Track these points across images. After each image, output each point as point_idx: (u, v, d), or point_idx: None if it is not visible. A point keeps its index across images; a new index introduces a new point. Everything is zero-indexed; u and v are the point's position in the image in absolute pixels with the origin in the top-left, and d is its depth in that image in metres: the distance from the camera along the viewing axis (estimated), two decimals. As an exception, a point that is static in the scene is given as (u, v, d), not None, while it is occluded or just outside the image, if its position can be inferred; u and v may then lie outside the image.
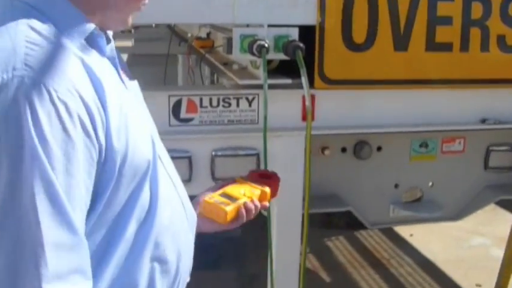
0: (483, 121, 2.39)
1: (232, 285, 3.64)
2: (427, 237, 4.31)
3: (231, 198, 1.33)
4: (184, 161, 2.04)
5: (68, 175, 0.84)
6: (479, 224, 4.47)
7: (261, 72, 1.94)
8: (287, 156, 2.14)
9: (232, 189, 1.38)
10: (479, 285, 3.76)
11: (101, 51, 1.00)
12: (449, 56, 2.20)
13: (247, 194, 1.37)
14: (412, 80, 2.23)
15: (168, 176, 1.09)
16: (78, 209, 0.86)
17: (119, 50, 1.13)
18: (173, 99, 2.08)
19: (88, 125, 0.87)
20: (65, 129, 0.83)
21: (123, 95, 1.00)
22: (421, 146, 2.57)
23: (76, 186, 0.85)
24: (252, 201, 1.35)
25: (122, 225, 0.97)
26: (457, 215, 2.71)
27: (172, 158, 1.17)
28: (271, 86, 2.04)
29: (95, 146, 0.88)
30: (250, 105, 2.15)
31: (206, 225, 1.31)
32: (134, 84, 1.12)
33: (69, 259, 0.85)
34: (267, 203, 1.41)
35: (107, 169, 0.91)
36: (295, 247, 2.26)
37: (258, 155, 2.11)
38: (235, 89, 2.15)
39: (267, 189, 1.42)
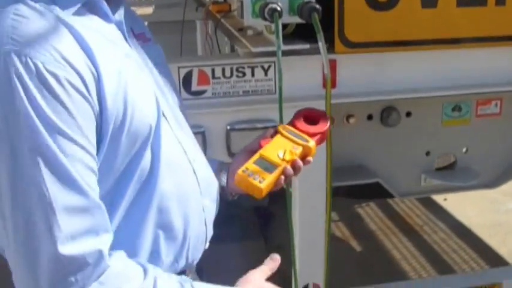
0: (523, 81, 2.19)
1: (257, 256, 3.56)
2: (462, 201, 4.13)
3: (269, 165, 1.18)
4: (197, 136, 1.88)
5: (70, 141, 0.85)
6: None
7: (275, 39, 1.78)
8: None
9: (270, 150, 1.22)
10: (518, 251, 3.60)
11: (106, 17, 1.01)
12: (483, 10, 2.00)
13: (287, 155, 1.20)
14: (442, 40, 2.03)
15: (178, 142, 1.08)
16: (85, 173, 0.87)
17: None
18: (183, 71, 1.94)
19: (83, 89, 0.87)
20: (58, 99, 0.84)
21: (127, 61, 1.00)
22: (453, 109, 2.39)
23: (79, 152, 0.87)
24: (294, 162, 1.20)
25: (123, 189, 0.98)
26: (493, 182, 2.53)
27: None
28: (287, 53, 1.89)
29: (93, 108, 0.89)
30: (266, 74, 2.00)
31: (238, 190, 1.25)
32: (153, 48, 1.15)
33: (83, 221, 0.87)
34: (310, 158, 1.26)
35: (103, 132, 0.92)
36: (320, 219, 2.13)
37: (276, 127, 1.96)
38: (249, 57, 2.00)
39: (312, 144, 1.25)
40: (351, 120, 2.30)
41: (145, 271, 0.95)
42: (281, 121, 1.73)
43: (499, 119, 2.43)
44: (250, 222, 3.78)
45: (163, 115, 1.06)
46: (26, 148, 0.83)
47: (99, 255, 0.88)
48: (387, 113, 2.30)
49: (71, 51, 0.88)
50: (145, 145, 0.99)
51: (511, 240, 3.74)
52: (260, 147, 1.24)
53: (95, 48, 0.92)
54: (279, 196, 1.52)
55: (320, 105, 1.99)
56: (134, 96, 0.96)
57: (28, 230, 0.84)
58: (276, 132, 1.28)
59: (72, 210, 0.85)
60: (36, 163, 0.83)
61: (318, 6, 1.63)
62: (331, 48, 1.92)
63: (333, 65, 1.98)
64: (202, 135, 1.93)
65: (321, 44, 1.55)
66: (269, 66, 1.99)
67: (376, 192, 2.79)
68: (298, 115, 1.34)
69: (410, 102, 2.26)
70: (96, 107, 0.90)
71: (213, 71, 1.95)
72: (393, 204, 4.24)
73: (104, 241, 0.90)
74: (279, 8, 1.65)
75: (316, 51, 1.91)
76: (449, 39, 2.03)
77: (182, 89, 1.93)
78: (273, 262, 1.17)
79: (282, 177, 1.19)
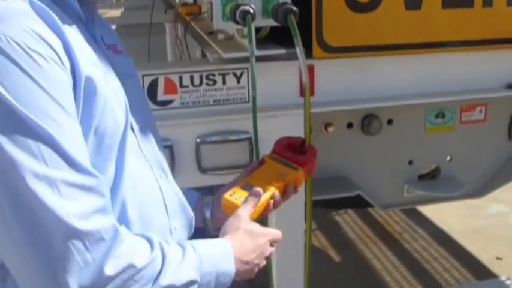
0: (509, 87, 2.07)
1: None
2: (441, 207, 3.99)
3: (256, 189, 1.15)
4: (164, 150, 1.75)
5: (67, 114, 0.84)
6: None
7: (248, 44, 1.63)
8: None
9: (257, 176, 1.19)
10: (500, 259, 3.51)
11: (75, 17, 0.97)
12: (470, 12, 1.87)
13: (276, 181, 1.17)
14: (426, 44, 1.91)
15: (144, 157, 1.04)
16: (84, 151, 0.86)
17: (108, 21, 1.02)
18: (148, 79, 1.78)
19: (64, 69, 0.85)
20: (48, 74, 0.82)
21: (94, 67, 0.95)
22: (437, 116, 2.27)
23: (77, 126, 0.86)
24: (283, 188, 1.19)
25: None
26: (479, 192, 2.42)
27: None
28: (262, 58, 1.74)
29: (68, 76, 0.86)
30: (238, 81, 1.84)
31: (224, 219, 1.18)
32: (124, 60, 1.12)
33: (93, 199, 0.85)
34: (300, 187, 1.25)
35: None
36: (298, 233, 2.01)
37: (250, 139, 1.81)
38: (220, 64, 1.84)
39: (300, 172, 1.22)
40: (330, 129, 2.16)
41: (150, 241, 0.93)
42: (255, 132, 1.59)
43: (483, 125, 2.32)
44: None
45: (131, 128, 1.02)
46: (28, 129, 0.80)
47: (115, 231, 0.86)
48: (368, 121, 2.17)
49: (48, 33, 0.87)
50: (110, 151, 0.94)
51: (492, 247, 3.65)
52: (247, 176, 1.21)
53: (66, 30, 0.90)
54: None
55: (297, 114, 1.86)
56: (106, 93, 0.93)
57: (33, 215, 0.80)
58: (262, 162, 1.24)
59: (80, 188, 0.83)
60: (37, 138, 0.80)
61: (294, 8, 1.49)
62: (308, 53, 1.77)
63: (310, 70, 1.84)
64: (170, 149, 1.77)
65: (299, 49, 1.40)
66: (242, 73, 1.84)
67: (357, 203, 2.67)
68: (279, 144, 1.30)
69: (392, 109, 2.13)
70: (71, 83, 0.87)
71: (180, 78, 1.79)
72: (372, 211, 4.12)
73: (112, 217, 0.89)
74: (251, 11, 1.50)
75: (293, 57, 1.77)
76: (435, 42, 1.90)
77: (147, 99, 1.77)
78: (255, 197, 1.13)
79: (271, 202, 1.16)
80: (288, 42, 1.79)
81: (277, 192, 1.16)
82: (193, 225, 1.20)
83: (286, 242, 2.02)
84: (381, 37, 1.84)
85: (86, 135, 0.89)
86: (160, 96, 1.79)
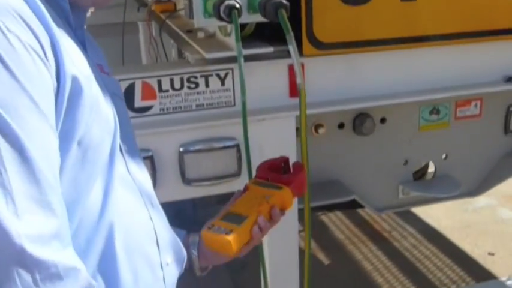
0: (508, 80, 1.97)
1: (221, 276, 3.26)
2: (428, 202, 3.94)
3: (238, 217, 1.05)
4: (145, 162, 1.59)
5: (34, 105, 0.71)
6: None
7: (233, 42, 1.48)
8: (275, 143, 1.70)
9: (240, 204, 1.10)
10: (492, 254, 3.42)
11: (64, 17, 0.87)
12: (465, 2, 1.76)
13: (258, 205, 1.07)
14: (421, 37, 1.78)
15: (133, 182, 0.94)
16: (46, 161, 0.72)
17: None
18: (124, 84, 1.62)
19: (38, 50, 0.74)
20: (22, 59, 0.72)
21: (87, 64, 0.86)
22: (431, 112, 2.15)
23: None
24: (269, 211, 1.08)
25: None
26: (475, 191, 2.32)
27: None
28: (247, 58, 1.60)
29: (52, 77, 0.76)
30: (223, 83, 1.70)
31: (215, 258, 1.12)
32: (111, 80, 1.01)
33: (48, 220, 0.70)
34: (288, 207, 1.13)
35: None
36: (291, 239, 1.92)
37: (238, 146, 1.67)
38: (202, 65, 1.69)
39: (286, 190, 1.11)
40: (320, 131, 2.02)
41: None
42: (246, 140, 1.45)
43: (479, 120, 2.21)
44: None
45: (120, 150, 0.92)
46: None
47: (76, 270, 0.72)
48: (360, 121, 2.04)
49: (35, 23, 0.77)
50: (95, 166, 0.83)
51: (483, 242, 3.57)
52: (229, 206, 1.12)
53: (58, 34, 0.80)
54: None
55: (288, 117, 1.72)
56: (92, 99, 0.82)
57: None
58: (245, 189, 1.15)
59: (41, 206, 0.69)
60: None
61: (285, 1, 1.34)
62: (298, 50, 1.64)
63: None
64: (150, 161, 1.62)
65: (292, 47, 1.27)
66: (226, 74, 1.69)
67: (348, 206, 2.56)
68: (262, 167, 1.21)
69: (385, 107, 2.01)
70: (55, 85, 0.76)
71: (159, 82, 1.64)
72: (359, 210, 4.01)
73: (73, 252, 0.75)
74: (237, 5, 1.36)
75: (281, 55, 1.64)
76: (431, 35, 1.78)
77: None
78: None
79: (256, 228, 1.05)
80: (274, 39, 1.66)
81: (261, 217, 1.06)
82: (184, 264, 1.09)
83: (280, 246, 1.92)
84: (375, 31, 1.71)
85: (68, 146, 0.78)
86: (138, 102, 1.63)
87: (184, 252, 1.08)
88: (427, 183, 2.24)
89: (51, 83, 0.76)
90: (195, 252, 1.13)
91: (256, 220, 1.04)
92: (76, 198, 0.81)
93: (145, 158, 1.61)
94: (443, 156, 2.25)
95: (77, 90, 0.79)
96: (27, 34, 0.74)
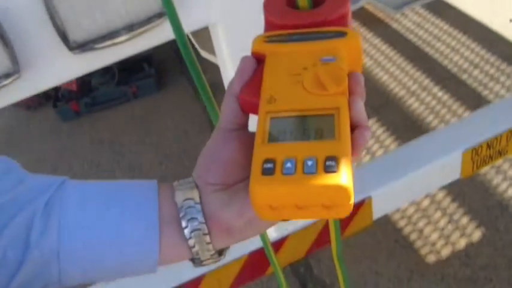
0: None
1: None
2: None
3: (304, 123, 0.43)
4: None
5: None
6: None
7: None
8: None
9: (276, 88, 0.45)
10: None
11: None
12: None
13: (316, 82, 0.44)
14: None
15: None
16: None
17: None
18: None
19: None
20: None
21: None
22: None
23: None
24: (347, 85, 0.44)
25: None
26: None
27: None
28: None
29: None
30: None
31: (249, 230, 0.50)
32: None
33: None
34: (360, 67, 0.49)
35: None
36: None
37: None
38: None
39: (352, 34, 0.47)
40: None
41: None
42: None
43: None
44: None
45: None
46: None
47: None
48: None
49: None
50: None
51: (502, 7, 2.94)
52: (243, 101, 0.47)
53: None
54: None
55: None
56: None
57: None
58: (259, 59, 0.48)
59: None
60: None
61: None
62: None
63: None
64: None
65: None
66: None
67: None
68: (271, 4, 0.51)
69: None
70: None
71: None
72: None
73: None
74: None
75: None
76: None
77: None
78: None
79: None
80: None
81: (345, 102, 0.44)
82: None
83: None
84: None
85: None
86: None
87: None
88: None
89: None
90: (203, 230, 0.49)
91: (348, 113, 0.43)
92: None
93: None
94: None
95: None
96: None
